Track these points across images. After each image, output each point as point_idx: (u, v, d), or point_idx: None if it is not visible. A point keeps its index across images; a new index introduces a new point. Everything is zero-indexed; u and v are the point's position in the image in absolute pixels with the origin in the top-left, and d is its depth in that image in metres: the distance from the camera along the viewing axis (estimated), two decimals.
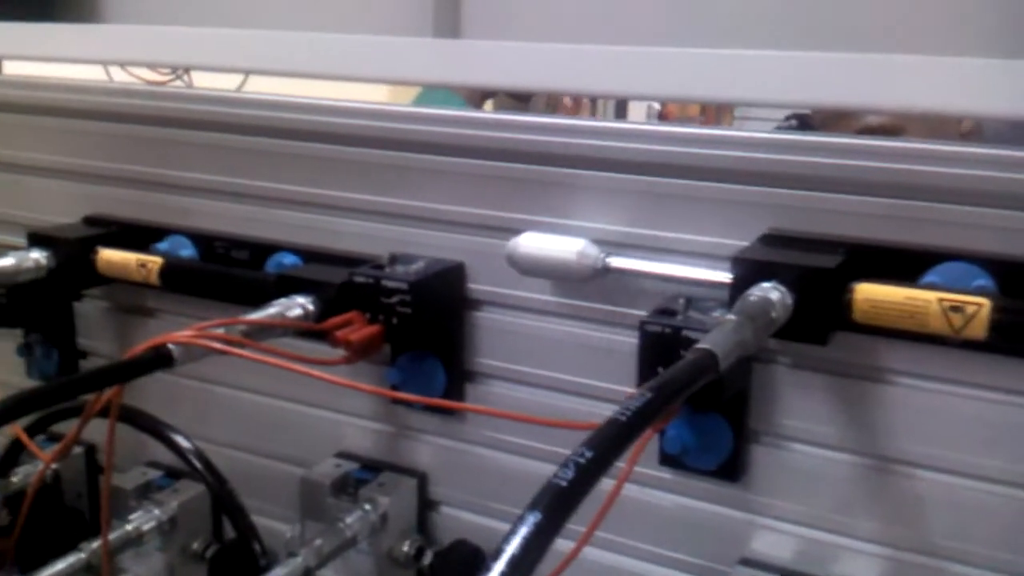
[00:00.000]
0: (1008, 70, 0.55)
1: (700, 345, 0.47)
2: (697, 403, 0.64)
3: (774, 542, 0.67)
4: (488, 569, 0.32)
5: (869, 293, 0.57)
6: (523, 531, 0.33)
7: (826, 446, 0.65)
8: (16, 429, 0.75)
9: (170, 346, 0.63)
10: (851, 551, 0.65)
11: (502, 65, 0.72)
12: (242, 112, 0.86)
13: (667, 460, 0.68)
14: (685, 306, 0.65)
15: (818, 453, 0.65)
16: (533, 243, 0.70)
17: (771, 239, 0.63)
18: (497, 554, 0.32)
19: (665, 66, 0.65)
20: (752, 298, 0.55)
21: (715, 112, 3.03)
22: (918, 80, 0.57)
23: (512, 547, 0.32)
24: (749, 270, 0.58)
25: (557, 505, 0.34)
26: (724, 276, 0.62)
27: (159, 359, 0.62)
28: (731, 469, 0.66)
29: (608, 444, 0.37)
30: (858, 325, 0.58)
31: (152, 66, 1.08)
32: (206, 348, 0.63)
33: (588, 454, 0.36)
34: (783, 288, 0.56)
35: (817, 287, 0.57)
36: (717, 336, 0.49)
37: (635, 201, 0.69)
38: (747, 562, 0.68)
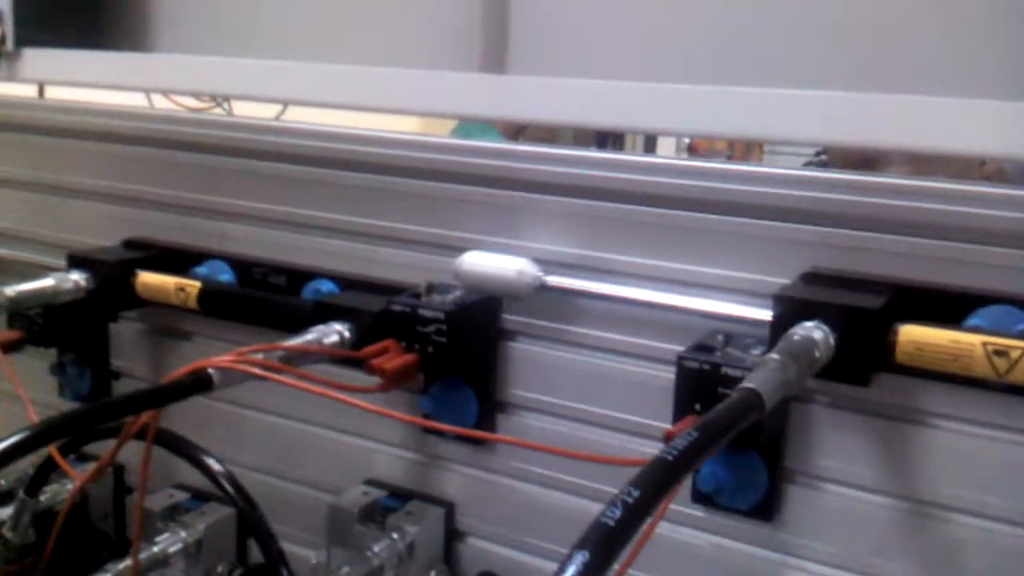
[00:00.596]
0: None
1: (745, 384, 0.47)
2: (733, 442, 0.64)
3: None
4: None
5: (913, 335, 0.56)
6: (572, 570, 0.32)
7: (863, 488, 0.64)
8: (50, 448, 0.75)
9: (210, 370, 0.63)
10: None
11: (541, 100, 0.73)
12: (281, 140, 0.87)
13: (701, 498, 0.67)
14: (724, 343, 0.64)
15: (854, 495, 0.64)
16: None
17: (813, 277, 0.63)
18: None
19: (698, 102, 0.66)
20: (796, 337, 0.55)
21: (743, 148, 3.03)
22: (945, 121, 0.57)
23: None
24: (791, 308, 0.58)
25: (605, 544, 0.34)
26: (765, 314, 0.61)
27: (199, 383, 0.63)
28: (766, 509, 0.66)
29: (655, 483, 0.37)
30: (900, 367, 0.58)
31: (196, 95, 1.09)
32: (246, 373, 0.63)
33: (635, 493, 0.36)
34: (826, 327, 0.56)
35: (861, 327, 0.57)
36: (762, 375, 0.49)
37: (664, 234, 0.69)
38: None
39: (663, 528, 0.71)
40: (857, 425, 0.64)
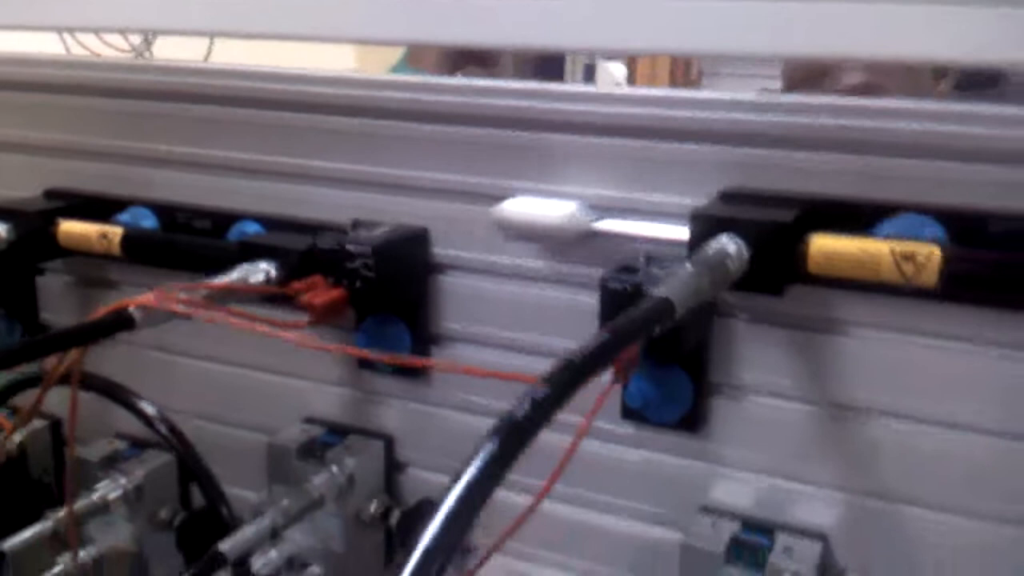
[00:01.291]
0: (990, 17, 0.56)
1: (656, 292, 0.48)
2: (658, 356, 0.66)
3: (734, 490, 0.69)
4: (448, 490, 0.32)
5: (823, 245, 0.58)
6: (480, 458, 0.33)
7: (783, 396, 0.66)
8: None
9: (131, 309, 0.63)
10: (808, 496, 0.67)
11: (476, 21, 0.72)
12: (204, 82, 0.85)
13: (629, 414, 0.69)
14: (645, 263, 0.66)
15: (776, 404, 0.67)
16: (520, 208, 0.70)
17: (728, 196, 0.64)
18: (456, 477, 0.33)
19: (636, 17, 0.65)
20: (709, 250, 0.56)
21: (683, 78, 3.03)
22: (893, 28, 0.58)
23: (469, 473, 0.33)
24: (706, 224, 0.59)
25: (513, 435, 0.35)
26: (684, 233, 0.62)
27: (120, 322, 0.63)
28: (692, 421, 0.68)
29: (563, 382, 0.38)
30: (813, 277, 0.59)
31: (122, 31, 1.06)
32: (167, 310, 0.63)
33: (544, 391, 0.37)
34: (740, 241, 0.57)
35: (773, 239, 0.58)
36: (673, 283, 0.50)
37: (610, 164, 0.70)
38: (707, 510, 0.69)
39: (594, 446, 0.73)
40: (776, 337, 0.66)
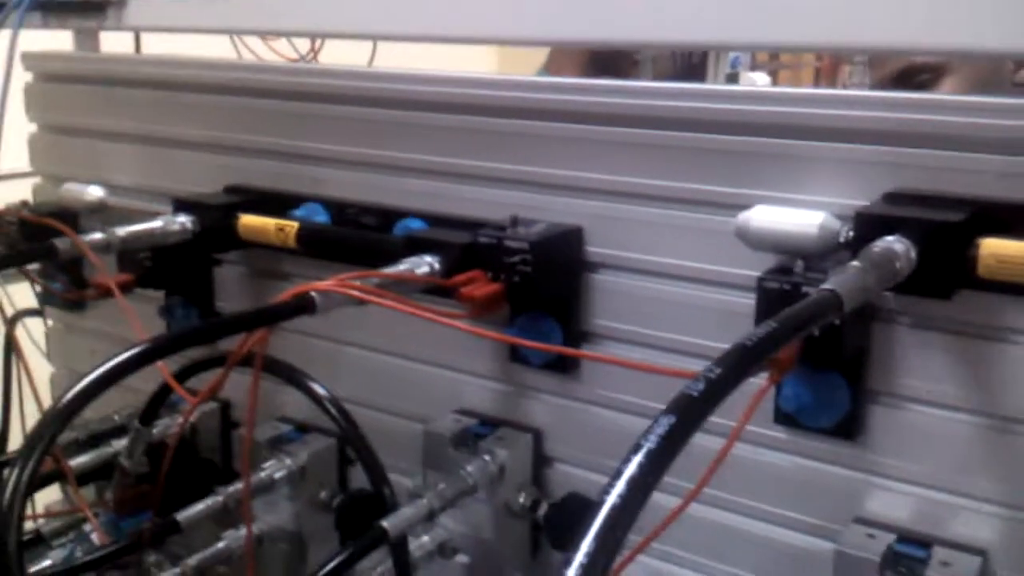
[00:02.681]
0: None
1: (824, 286, 0.49)
2: (815, 360, 0.65)
3: (889, 501, 0.67)
4: (627, 461, 0.34)
5: (994, 248, 0.57)
6: (659, 430, 0.35)
7: (946, 406, 0.65)
8: (165, 373, 0.81)
9: (312, 293, 0.67)
10: (968, 511, 0.65)
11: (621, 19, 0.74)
12: (371, 85, 0.90)
13: (783, 418, 0.69)
14: (804, 265, 0.65)
15: (937, 413, 0.65)
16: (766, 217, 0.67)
17: (893, 197, 0.63)
18: (635, 449, 0.35)
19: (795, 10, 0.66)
20: (876, 248, 0.56)
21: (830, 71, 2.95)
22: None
23: (649, 443, 0.35)
24: (871, 225, 0.59)
25: (689, 411, 0.36)
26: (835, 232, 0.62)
27: (302, 305, 0.67)
28: (848, 428, 0.67)
29: (735, 364, 0.39)
30: (982, 282, 0.58)
31: (288, 35, 1.13)
32: (346, 295, 0.67)
33: (717, 370, 0.38)
34: (907, 241, 0.57)
35: (941, 241, 0.57)
36: (840, 278, 0.50)
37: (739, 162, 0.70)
38: (861, 520, 0.68)
39: (744, 450, 0.73)
40: (940, 344, 0.64)
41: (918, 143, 0.63)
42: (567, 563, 0.31)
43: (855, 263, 0.53)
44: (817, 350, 0.64)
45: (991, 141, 0.60)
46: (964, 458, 0.65)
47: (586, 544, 0.31)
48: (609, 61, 1.76)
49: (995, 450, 0.64)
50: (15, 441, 1.13)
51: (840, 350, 0.63)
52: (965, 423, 0.64)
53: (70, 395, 0.57)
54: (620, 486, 0.33)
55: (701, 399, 0.36)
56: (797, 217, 0.64)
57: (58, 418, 0.57)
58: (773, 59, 3.00)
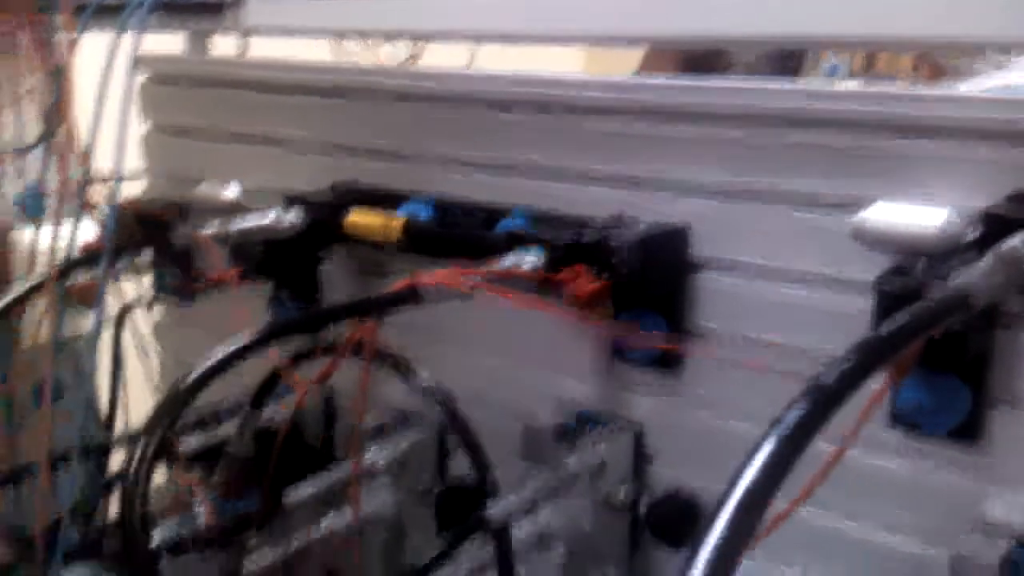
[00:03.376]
0: None
1: (955, 283, 0.48)
2: (935, 363, 0.64)
3: (1009, 507, 0.65)
4: (758, 449, 0.34)
5: None
6: (792, 418, 0.35)
7: None
8: (275, 356, 0.83)
9: (421, 285, 0.69)
10: None
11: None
12: (474, 88, 0.92)
13: (899, 420, 0.68)
14: (924, 266, 0.64)
15: None
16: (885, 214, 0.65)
17: (1020, 197, 0.61)
18: (764, 438, 0.35)
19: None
20: (1003, 247, 0.54)
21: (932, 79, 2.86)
22: None
23: (782, 430, 0.35)
24: (998, 224, 0.58)
25: (823, 399, 0.36)
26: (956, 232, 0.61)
27: (412, 296, 0.69)
28: (967, 433, 0.65)
29: (868, 354, 0.39)
30: None
31: (399, 35, 1.16)
32: (454, 287, 0.69)
33: (852, 359, 0.38)
34: None
35: None
36: (969, 277, 0.49)
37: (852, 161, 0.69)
38: (979, 526, 0.66)
39: (859, 453, 0.71)
40: None
41: None
42: (698, 546, 0.31)
43: (983, 263, 0.52)
44: (938, 352, 0.62)
45: None
46: None
47: (719, 528, 0.31)
48: (703, 62, 1.74)
49: None
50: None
51: (963, 353, 0.61)
52: None
53: (194, 376, 0.60)
54: (753, 472, 0.33)
55: (834, 388, 0.36)
56: (918, 215, 0.62)
57: (182, 396, 0.60)
58: (869, 69, 2.92)
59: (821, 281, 0.72)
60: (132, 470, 0.58)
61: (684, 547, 0.80)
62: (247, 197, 1.12)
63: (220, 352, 0.61)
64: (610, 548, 0.83)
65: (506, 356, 0.94)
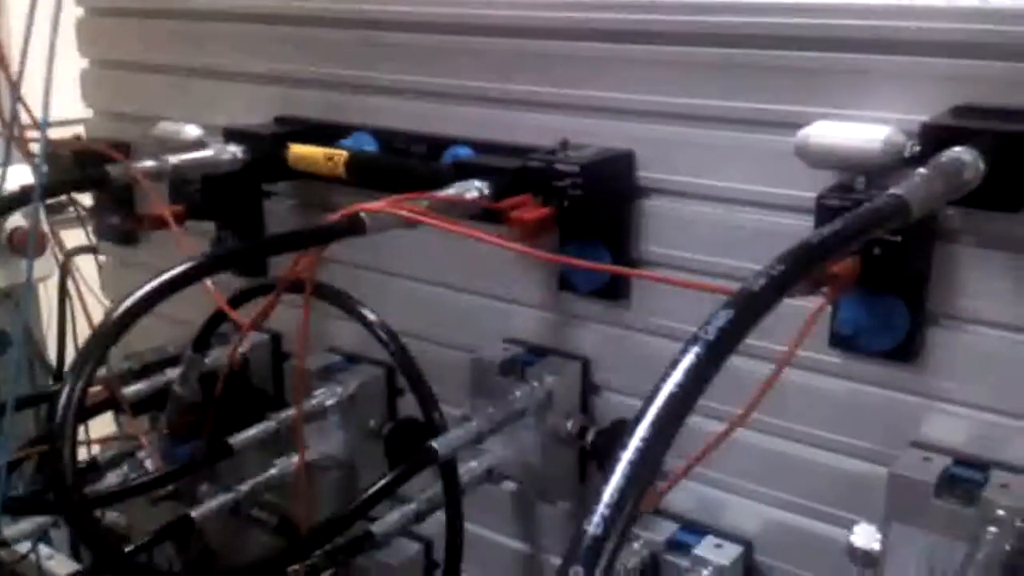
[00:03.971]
0: None
1: (892, 191, 0.47)
2: (873, 282, 0.64)
3: (948, 425, 0.66)
4: (685, 352, 0.33)
5: None
6: (717, 322, 0.34)
7: (1010, 328, 0.63)
8: (217, 297, 0.81)
9: (362, 214, 0.67)
10: None
11: None
12: (416, 10, 0.89)
13: (839, 342, 0.68)
14: (865, 183, 0.64)
15: (1001, 335, 0.63)
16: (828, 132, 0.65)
17: (962, 110, 0.61)
18: (688, 344, 0.34)
19: None
20: (943, 158, 0.54)
21: None
22: None
23: (707, 335, 0.34)
24: (938, 137, 0.57)
25: (749, 304, 0.35)
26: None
27: (352, 226, 0.67)
28: (906, 351, 0.66)
29: (797, 261, 0.38)
30: None
31: None
32: (395, 216, 0.67)
33: (780, 267, 0.37)
34: (975, 152, 0.55)
35: (1012, 151, 0.55)
36: (908, 184, 0.49)
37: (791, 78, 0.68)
38: (919, 444, 0.67)
39: (799, 376, 0.72)
40: (1005, 264, 0.62)
41: (985, 54, 0.61)
42: (623, 447, 0.30)
43: (922, 170, 0.51)
44: (877, 271, 0.62)
45: None
46: None
47: (642, 430, 0.31)
48: None
49: None
50: None
51: (901, 271, 0.61)
52: None
53: (118, 312, 0.58)
54: (677, 376, 0.32)
55: (761, 294, 0.35)
56: (860, 132, 0.62)
57: (108, 334, 0.58)
58: None
59: (767, 203, 0.72)
60: (59, 412, 0.55)
61: None
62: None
63: (146, 288, 0.59)
64: (559, 479, 0.83)
65: (454, 289, 0.93)
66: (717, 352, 0.34)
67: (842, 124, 0.64)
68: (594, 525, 0.28)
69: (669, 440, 0.31)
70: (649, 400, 0.32)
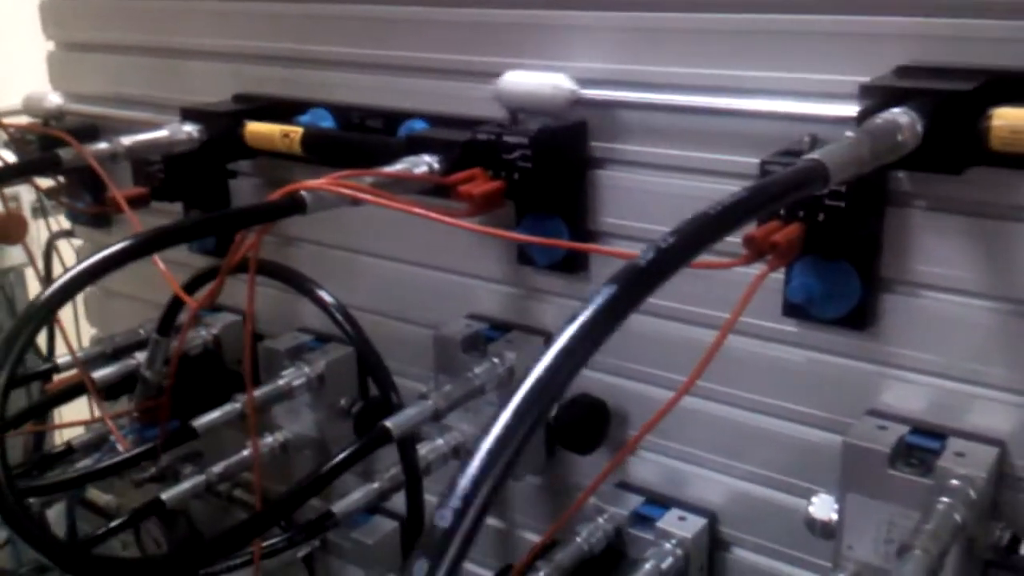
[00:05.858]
0: None
1: (809, 155, 0.46)
2: (823, 249, 0.62)
3: (903, 393, 0.65)
4: (561, 330, 0.32)
5: (1009, 117, 0.53)
6: (598, 301, 0.33)
7: (962, 292, 0.61)
8: (170, 279, 0.80)
9: (303, 192, 0.66)
10: (984, 400, 0.62)
11: None
12: None
13: (792, 310, 0.66)
14: (810, 145, 0.62)
15: (953, 300, 0.62)
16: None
17: (904, 70, 0.59)
18: (571, 319, 0.33)
19: None
20: (877, 120, 0.52)
21: None
22: None
23: (585, 315, 0.33)
24: (878, 98, 0.55)
25: (633, 281, 0.34)
26: (851, 110, 0.58)
27: (293, 204, 0.66)
28: (859, 318, 0.64)
29: (692, 232, 0.37)
30: (997, 156, 0.54)
31: None
32: (336, 194, 0.66)
33: (671, 239, 0.36)
34: (913, 113, 0.53)
35: (951, 111, 0.53)
36: (830, 149, 0.47)
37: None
38: (874, 413, 0.65)
39: (752, 344, 0.70)
40: (954, 227, 0.61)
41: (925, 11, 0.58)
42: (484, 435, 0.29)
43: (849, 133, 0.50)
44: (823, 238, 0.61)
45: (1003, 5, 0.56)
46: (981, 346, 0.61)
47: (503, 418, 0.30)
48: None
49: (1013, 337, 0.60)
50: None
51: (850, 237, 0.60)
52: (981, 309, 0.61)
53: (51, 290, 0.57)
54: (547, 359, 0.31)
55: (648, 269, 0.34)
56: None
57: (39, 312, 0.57)
58: None
59: (721, 171, 0.70)
60: None
61: (590, 452, 0.80)
62: (160, 113, 1.08)
63: (80, 266, 0.58)
64: (526, 456, 0.81)
65: (419, 266, 0.91)
66: (592, 334, 0.33)
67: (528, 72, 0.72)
68: (442, 518, 0.27)
69: (532, 429, 0.30)
70: (515, 388, 0.31)
